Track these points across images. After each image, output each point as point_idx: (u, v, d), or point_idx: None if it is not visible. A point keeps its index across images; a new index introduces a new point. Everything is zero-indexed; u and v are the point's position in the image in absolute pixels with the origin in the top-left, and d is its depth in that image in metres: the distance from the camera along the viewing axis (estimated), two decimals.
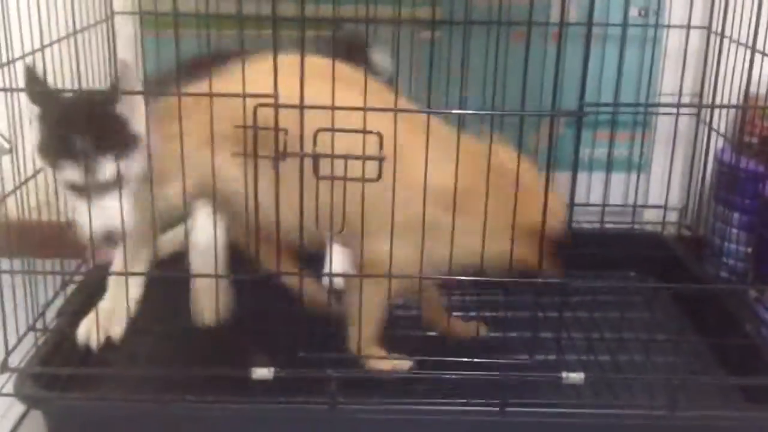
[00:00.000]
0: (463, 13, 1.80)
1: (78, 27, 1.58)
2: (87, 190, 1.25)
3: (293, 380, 1.35)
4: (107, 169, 1.24)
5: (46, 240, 1.60)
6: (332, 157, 1.27)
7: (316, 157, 1.27)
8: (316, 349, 1.40)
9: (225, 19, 1.70)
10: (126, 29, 1.80)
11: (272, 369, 1.35)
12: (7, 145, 1.40)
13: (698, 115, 1.86)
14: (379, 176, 1.27)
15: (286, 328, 1.37)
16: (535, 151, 1.82)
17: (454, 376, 1.39)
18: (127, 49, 1.80)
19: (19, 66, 1.34)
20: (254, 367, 1.36)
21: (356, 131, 1.26)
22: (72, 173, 1.23)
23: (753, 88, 1.69)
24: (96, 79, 1.69)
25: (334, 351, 1.44)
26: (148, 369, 1.45)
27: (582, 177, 1.93)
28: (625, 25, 1.81)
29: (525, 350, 1.48)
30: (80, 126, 1.23)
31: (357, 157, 1.27)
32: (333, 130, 1.26)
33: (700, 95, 1.86)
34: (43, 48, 1.46)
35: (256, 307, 1.51)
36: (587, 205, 1.94)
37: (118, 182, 1.25)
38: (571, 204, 1.36)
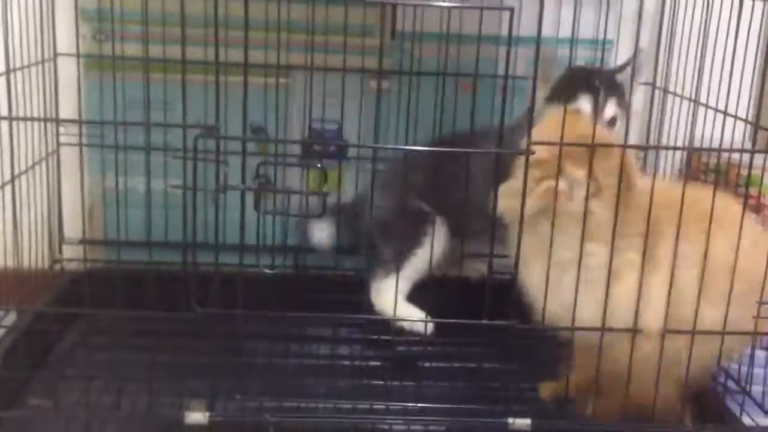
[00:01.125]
0: (412, 63, 1.82)
1: (19, 65, 1.55)
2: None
3: (229, 425, 1.29)
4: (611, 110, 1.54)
5: None
6: (274, 191, 1.25)
7: (257, 191, 1.24)
8: (254, 393, 1.35)
9: (171, 63, 1.71)
10: (69, 70, 1.76)
11: (207, 413, 1.29)
12: None
13: (644, 158, 1.87)
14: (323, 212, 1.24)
15: (223, 371, 1.32)
16: None
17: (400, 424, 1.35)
18: (69, 91, 1.76)
19: None
20: (188, 411, 1.29)
21: None
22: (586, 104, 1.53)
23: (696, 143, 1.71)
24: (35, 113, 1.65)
25: (272, 396, 1.39)
26: (76, 412, 1.36)
27: None
28: None
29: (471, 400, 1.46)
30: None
31: (299, 192, 1.25)
32: None
33: (647, 140, 1.88)
34: None
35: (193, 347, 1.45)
36: None
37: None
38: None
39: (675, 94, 1.74)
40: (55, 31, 1.72)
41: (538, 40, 1.24)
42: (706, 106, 1.57)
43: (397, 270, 1.56)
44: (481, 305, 1.30)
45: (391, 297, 1.57)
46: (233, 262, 1.36)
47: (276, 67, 1.67)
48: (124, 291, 1.53)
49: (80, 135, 1.74)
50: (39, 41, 1.67)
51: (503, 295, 1.32)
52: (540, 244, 1.31)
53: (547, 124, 1.35)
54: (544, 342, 1.49)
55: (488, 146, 1.41)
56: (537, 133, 1.31)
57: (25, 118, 1.47)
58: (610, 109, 1.54)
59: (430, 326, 1.56)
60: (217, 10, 1.28)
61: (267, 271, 1.41)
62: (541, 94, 1.55)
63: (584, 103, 1.51)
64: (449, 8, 1.65)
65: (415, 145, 1.73)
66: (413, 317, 1.58)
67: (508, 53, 1.27)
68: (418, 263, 1.63)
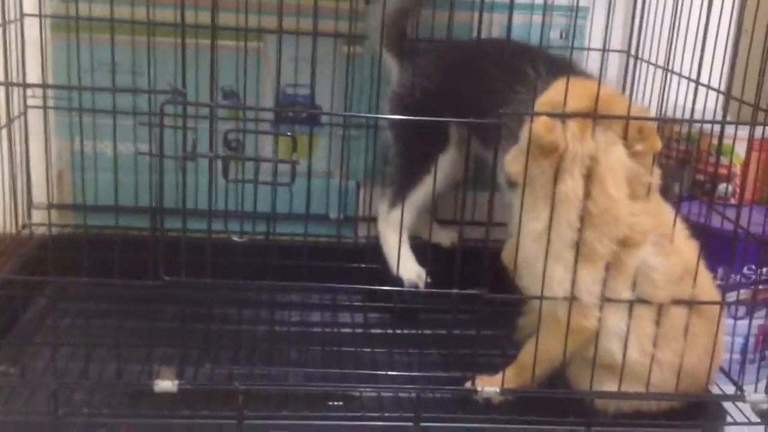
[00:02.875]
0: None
1: None
2: None
3: (199, 393, 1.29)
4: None
5: None
6: (242, 159, 1.24)
7: (225, 159, 1.22)
8: (224, 361, 1.34)
9: (139, 25, 1.68)
10: (34, 31, 1.72)
11: (176, 381, 1.29)
12: None
13: None
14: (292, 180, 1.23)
15: (193, 338, 1.31)
16: None
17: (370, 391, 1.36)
18: (34, 52, 1.72)
19: None
20: (158, 379, 1.29)
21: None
22: None
23: (669, 113, 1.72)
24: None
25: (242, 364, 1.39)
26: (43, 379, 1.35)
27: None
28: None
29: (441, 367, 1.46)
30: None
31: (267, 160, 1.23)
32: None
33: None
34: None
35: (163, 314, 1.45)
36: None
37: None
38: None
39: (648, 62, 1.74)
40: None
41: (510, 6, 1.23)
42: (679, 74, 1.58)
43: (403, 199, 1.59)
44: (453, 273, 1.30)
45: (394, 239, 1.56)
46: (203, 229, 1.35)
47: (244, 30, 1.64)
48: (92, 257, 1.51)
49: (44, 98, 1.70)
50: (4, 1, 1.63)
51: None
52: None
53: (553, 92, 1.30)
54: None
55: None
56: (541, 100, 1.29)
57: None
58: None
59: (423, 278, 1.55)
60: None
61: (236, 239, 1.39)
62: None
63: None
64: None
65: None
66: (408, 268, 1.57)
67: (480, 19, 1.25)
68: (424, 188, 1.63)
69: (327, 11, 1.77)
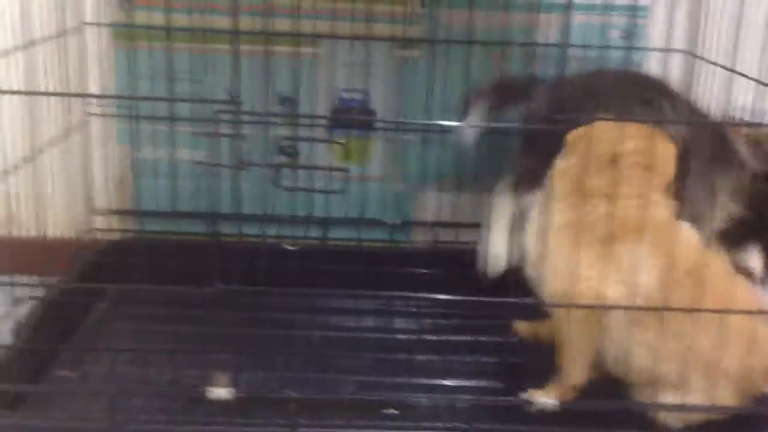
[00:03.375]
0: (441, 32, 1.78)
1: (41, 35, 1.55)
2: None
3: (252, 401, 1.30)
4: None
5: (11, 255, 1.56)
6: (294, 167, 1.24)
7: (276, 167, 1.23)
8: (278, 368, 1.35)
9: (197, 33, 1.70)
10: (97, 41, 1.76)
11: (231, 389, 1.29)
12: None
13: None
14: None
15: (248, 345, 1.32)
16: None
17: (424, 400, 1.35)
18: (97, 61, 1.76)
19: None
20: (212, 386, 1.30)
21: None
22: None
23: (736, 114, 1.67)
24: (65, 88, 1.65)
25: (295, 371, 1.39)
26: (100, 386, 1.38)
27: None
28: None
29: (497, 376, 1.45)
30: None
31: (317, 168, 1.23)
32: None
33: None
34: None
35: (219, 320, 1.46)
36: None
37: None
38: None
39: (712, 63, 1.69)
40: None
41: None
42: (745, 76, 1.53)
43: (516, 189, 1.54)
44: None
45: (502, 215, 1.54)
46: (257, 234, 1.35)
47: (298, 35, 1.64)
48: (151, 262, 1.53)
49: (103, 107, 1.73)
50: (64, 10, 1.66)
51: None
52: None
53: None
54: None
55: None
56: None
57: (47, 93, 1.47)
58: None
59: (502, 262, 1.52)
60: None
61: (288, 246, 1.40)
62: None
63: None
64: None
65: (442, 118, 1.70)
66: (495, 248, 1.54)
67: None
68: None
69: (382, 15, 1.76)
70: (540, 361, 1.43)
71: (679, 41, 1.82)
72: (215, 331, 1.42)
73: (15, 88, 1.40)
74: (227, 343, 1.38)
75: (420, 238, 1.89)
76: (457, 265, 1.68)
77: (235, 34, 1.29)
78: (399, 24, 1.78)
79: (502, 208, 1.57)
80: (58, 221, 1.72)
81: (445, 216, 1.86)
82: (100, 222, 1.82)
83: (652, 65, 1.82)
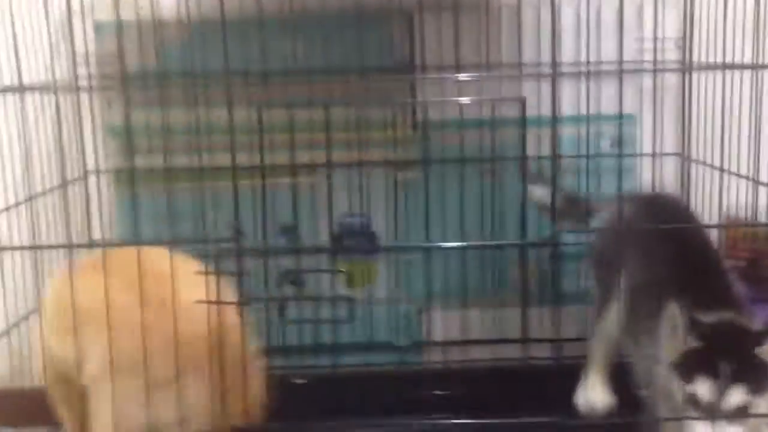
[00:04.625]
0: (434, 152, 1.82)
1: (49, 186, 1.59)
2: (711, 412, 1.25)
3: None
4: (737, 397, 1.24)
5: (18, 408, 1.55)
6: (298, 299, 1.24)
7: (280, 300, 1.23)
8: None
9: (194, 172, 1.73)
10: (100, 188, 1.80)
11: None
12: None
13: None
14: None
15: None
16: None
17: None
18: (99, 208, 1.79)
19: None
20: None
21: None
22: (704, 390, 1.24)
23: (732, 212, 1.68)
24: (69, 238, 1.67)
25: None
26: None
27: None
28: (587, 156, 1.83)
29: None
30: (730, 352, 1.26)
31: (323, 299, 1.24)
32: None
33: None
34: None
35: None
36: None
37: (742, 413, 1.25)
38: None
39: (703, 164, 1.72)
40: (84, 149, 1.76)
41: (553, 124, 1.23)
42: (737, 174, 1.55)
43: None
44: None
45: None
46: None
47: (293, 166, 1.68)
48: None
49: None
50: (67, 160, 1.71)
51: None
52: None
53: None
54: None
55: None
56: None
57: (49, 246, 1.49)
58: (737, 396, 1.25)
59: (608, 403, 1.49)
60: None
61: (297, 381, 1.39)
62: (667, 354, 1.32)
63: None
64: (463, 102, 1.66)
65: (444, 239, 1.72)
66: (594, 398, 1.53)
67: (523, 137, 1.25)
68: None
69: (376, 141, 1.81)
70: None
71: (669, 145, 1.86)
72: None
73: (18, 242, 1.43)
74: None
75: (431, 358, 1.87)
76: (469, 384, 1.66)
77: (232, 170, 1.31)
78: (391, 149, 1.83)
79: (598, 353, 1.58)
80: None
81: (454, 334, 1.85)
82: None
83: (645, 171, 1.85)
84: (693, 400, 1.25)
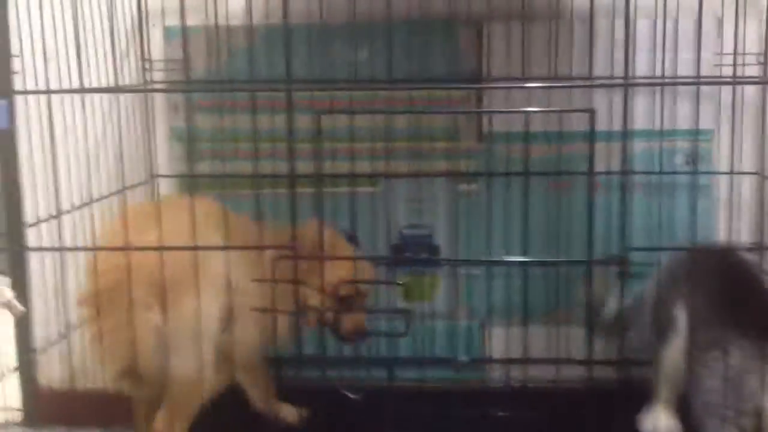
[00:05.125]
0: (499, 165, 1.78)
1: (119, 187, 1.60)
2: None
3: None
4: None
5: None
6: (354, 311, 1.21)
7: (337, 313, 1.20)
8: None
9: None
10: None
11: None
12: (20, 308, 1.40)
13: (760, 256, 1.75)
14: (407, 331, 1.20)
15: None
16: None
17: None
18: None
19: (66, 220, 1.42)
20: None
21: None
22: None
23: None
24: None
25: None
26: None
27: None
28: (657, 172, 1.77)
29: None
30: None
31: (378, 311, 1.21)
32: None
33: (761, 238, 1.74)
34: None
35: None
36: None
37: None
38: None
39: None
40: (155, 153, 1.78)
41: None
42: None
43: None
44: None
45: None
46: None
47: (354, 175, 1.67)
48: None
49: None
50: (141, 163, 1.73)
51: None
52: None
53: None
54: None
55: None
56: None
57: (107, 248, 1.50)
58: None
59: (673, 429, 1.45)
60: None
61: (350, 395, 1.36)
62: None
63: None
64: (531, 113, 1.61)
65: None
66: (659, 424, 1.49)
67: (591, 151, 1.21)
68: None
69: (439, 152, 1.78)
70: None
71: (747, 163, 1.78)
72: None
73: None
74: None
75: (491, 375, 1.82)
76: (531, 404, 1.61)
77: (291, 179, 1.30)
78: (455, 160, 1.79)
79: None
80: None
81: (516, 351, 1.80)
82: None
83: (722, 189, 1.77)
84: None
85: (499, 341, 1.83)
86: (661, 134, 1.73)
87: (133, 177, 1.72)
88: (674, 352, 1.50)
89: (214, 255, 1.29)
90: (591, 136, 1.21)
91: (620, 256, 1.21)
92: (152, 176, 1.80)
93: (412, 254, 1.81)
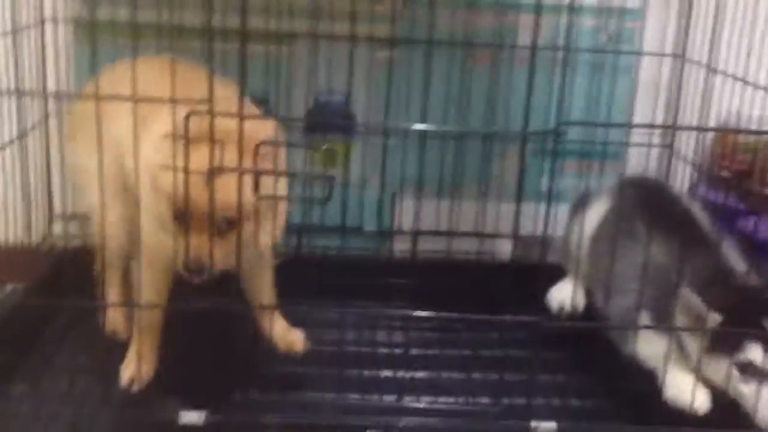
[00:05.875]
0: (424, 32, 1.70)
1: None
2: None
3: (226, 426, 1.20)
4: None
5: None
6: (275, 174, 1.14)
7: (256, 173, 1.13)
8: (255, 391, 1.25)
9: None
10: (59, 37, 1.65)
11: (203, 413, 1.19)
12: None
13: (671, 145, 1.77)
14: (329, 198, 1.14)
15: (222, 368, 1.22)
16: (500, 180, 1.74)
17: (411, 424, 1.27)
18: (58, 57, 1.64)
19: None
20: (183, 410, 1.20)
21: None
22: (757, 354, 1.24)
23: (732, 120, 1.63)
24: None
25: (274, 391, 1.29)
26: (61, 407, 1.26)
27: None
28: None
29: (490, 394, 1.38)
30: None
31: (300, 175, 1.14)
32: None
33: (674, 120, 1.76)
34: None
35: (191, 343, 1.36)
36: None
37: None
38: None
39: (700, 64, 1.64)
40: None
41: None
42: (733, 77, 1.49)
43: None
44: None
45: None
46: None
47: (275, 34, 1.57)
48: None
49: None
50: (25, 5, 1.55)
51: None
52: None
53: None
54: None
55: None
56: None
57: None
58: None
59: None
60: None
61: None
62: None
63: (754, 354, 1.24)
64: None
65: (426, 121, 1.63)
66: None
67: (536, 22, 1.16)
68: None
69: (363, 15, 1.68)
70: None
71: (670, 45, 1.77)
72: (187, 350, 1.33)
73: None
74: (200, 361, 1.29)
75: (399, 246, 1.80)
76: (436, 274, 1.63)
77: (208, 32, 1.19)
78: (378, 23, 1.70)
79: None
80: (15, 227, 1.60)
81: (426, 224, 1.78)
82: (58, 228, 1.71)
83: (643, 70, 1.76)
84: (746, 367, 1.24)
85: (409, 213, 1.80)
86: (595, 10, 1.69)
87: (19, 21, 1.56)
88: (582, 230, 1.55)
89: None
90: (537, 9, 1.15)
91: (556, 131, 1.17)
92: (42, 20, 1.63)
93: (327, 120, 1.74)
